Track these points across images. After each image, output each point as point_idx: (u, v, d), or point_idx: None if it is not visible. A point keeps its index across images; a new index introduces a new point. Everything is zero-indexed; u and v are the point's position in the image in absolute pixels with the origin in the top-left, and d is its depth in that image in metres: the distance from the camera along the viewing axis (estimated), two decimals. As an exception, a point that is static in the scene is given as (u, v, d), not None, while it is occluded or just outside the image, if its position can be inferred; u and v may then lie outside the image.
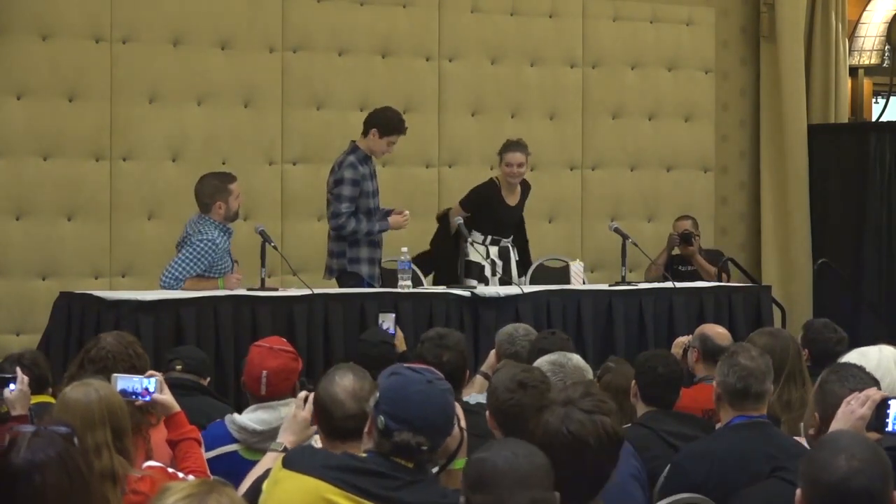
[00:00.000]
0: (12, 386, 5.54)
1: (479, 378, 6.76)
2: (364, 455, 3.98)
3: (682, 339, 7.29)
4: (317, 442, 4.53)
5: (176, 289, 8.38)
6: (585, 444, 3.66)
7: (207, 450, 5.25)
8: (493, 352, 6.90)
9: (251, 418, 5.47)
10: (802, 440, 4.97)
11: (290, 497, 3.92)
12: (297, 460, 3.99)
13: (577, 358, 5.61)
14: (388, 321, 7.97)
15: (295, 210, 10.38)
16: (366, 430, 4.02)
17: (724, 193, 12.13)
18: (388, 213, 9.18)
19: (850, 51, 12.49)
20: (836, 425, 4.29)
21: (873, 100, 13.02)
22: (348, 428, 4.29)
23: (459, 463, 4.12)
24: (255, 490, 4.15)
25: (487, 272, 9.69)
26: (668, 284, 9.81)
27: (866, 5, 12.63)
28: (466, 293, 8.95)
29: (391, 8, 10.72)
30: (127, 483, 4.28)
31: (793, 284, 11.89)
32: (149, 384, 5.05)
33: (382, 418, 3.92)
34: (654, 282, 10.15)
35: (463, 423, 4.19)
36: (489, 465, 3.39)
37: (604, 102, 11.48)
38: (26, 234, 9.66)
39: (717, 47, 11.99)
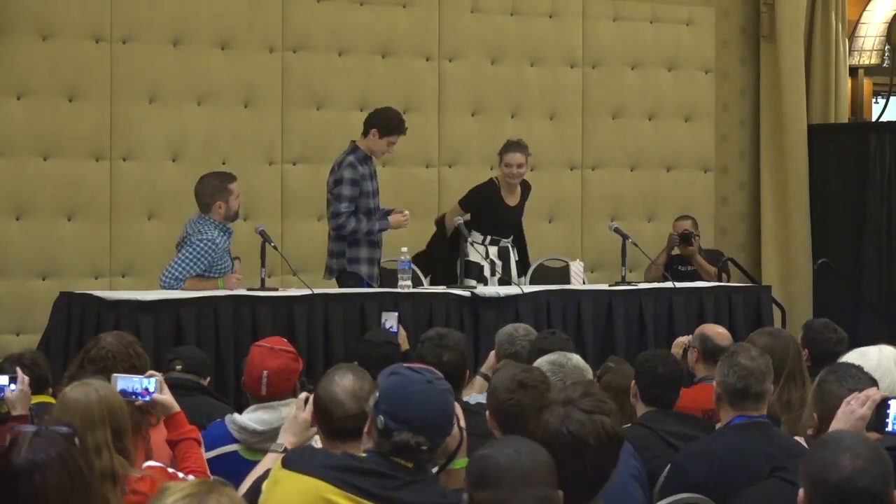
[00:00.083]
0: (13, 386, 5.54)
1: (478, 379, 6.76)
2: (364, 455, 3.98)
3: (682, 339, 7.29)
4: (317, 443, 4.53)
5: (176, 289, 8.38)
6: (585, 444, 3.66)
7: (207, 450, 5.24)
8: (492, 353, 6.89)
9: (251, 418, 5.46)
10: (802, 440, 4.98)
11: (290, 497, 3.92)
12: (296, 460, 3.99)
13: (576, 358, 5.61)
14: (391, 320, 7.97)
15: (295, 210, 10.39)
16: (365, 430, 4.02)
17: (724, 193, 12.13)
18: (388, 212, 9.19)
19: (850, 51, 12.49)
20: (836, 425, 4.29)
21: (873, 100, 13.02)
22: (348, 428, 4.29)
23: (459, 463, 4.13)
24: (255, 490, 4.15)
25: (487, 272, 9.69)
26: (668, 284, 9.81)
27: (866, 5, 12.63)
28: (466, 293, 8.95)
29: (391, 8, 10.72)
30: (127, 483, 4.28)
31: (793, 284, 11.89)
32: (149, 384, 5.05)
33: (382, 418, 3.92)
34: (654, 282, 10.15)
35: (463, 423, 4.19)
36: (492, 463, 3.38)
37: (604, 102, 11.48)
38: (26, 234, 9.66)
39: (717, 47, 11.99)
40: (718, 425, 5.32)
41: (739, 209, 12.24)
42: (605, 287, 9.58)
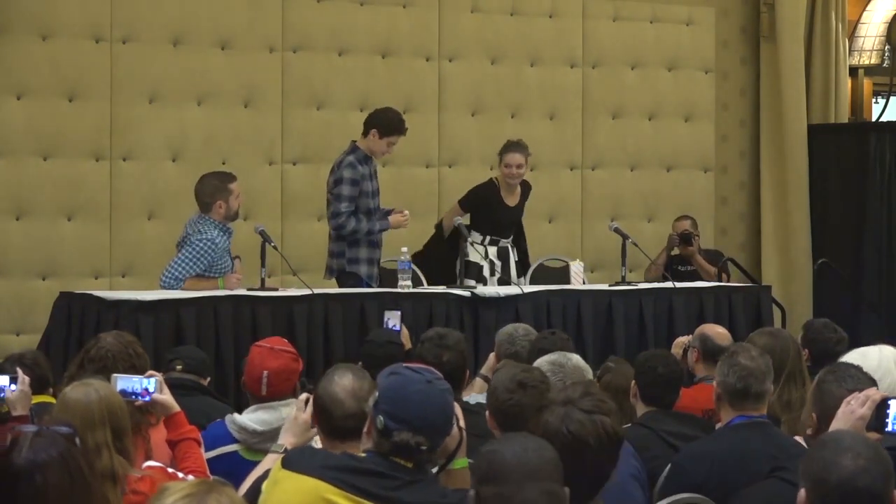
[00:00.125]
0: (13, 386, 5.54)
1: (478, 380, 6.76)
2: (363, 455, 3.98)
3: (682, 339, 7.29)
4: (317, 443, 4.53)
5: (176, 289, 8.38)
6: (585, 444, 3.66)
7: (207, 450, 5.24)
8: (492, 354, 6.89)
9: (251, 418, 5.46)
10: (802, 440, 4.98)
11: (290, 497, 3.92)
12: (296, 460, 3.99)
13: (576, 358, 5.61)
14: (393, 318, 7.97)
15: (295, 210, 10.39)
16: (365, 429, 4.02)
17: (724, 193, 12.13)
18: (389, 212, 9.19)
19: (850, 51, 12.49)
20: (836, 425, 4.29)
21: (873, 100, 13.02)
22: (348, 427, 4.29)
23: (459, 463, 4.13)
24: (255, 490, 4.15)
25: (486, 272, 9.69)
26: (668, 284, 9.81)
27: (866, 5, 12.63)
28: (466, 293, 8.95)
29: (391, 8, 10.72)
30: (127, 483, 4.28)
31: (793, 284, 11.89)
32: (148, 384, 5.05)
33: (382, 418, 3.92)
34: (654, 282, 10.15)
35: (462, 423, 4.19)
36: (499, 458, 3.38)
37: (604, 102, 11.48)
38: (26, 234, 9.66)
39: (717, 47, 11.99)
40: (718, 425, 5.32)
41: (739, 209, 12.24)
42: (605, 287, 9.58)
